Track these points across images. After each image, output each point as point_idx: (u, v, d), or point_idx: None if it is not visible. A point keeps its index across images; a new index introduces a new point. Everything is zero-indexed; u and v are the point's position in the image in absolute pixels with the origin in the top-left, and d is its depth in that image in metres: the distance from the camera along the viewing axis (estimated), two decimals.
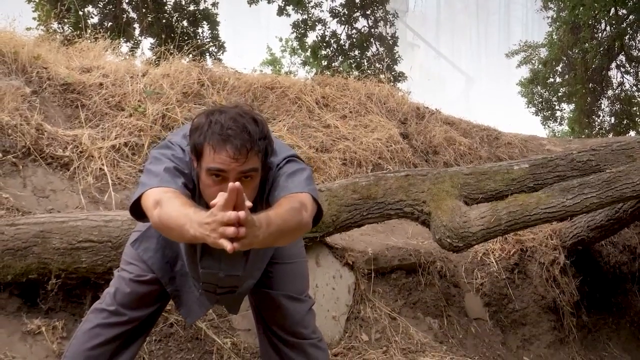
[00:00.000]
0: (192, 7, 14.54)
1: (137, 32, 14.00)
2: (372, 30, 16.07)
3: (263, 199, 2.21)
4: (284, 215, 1.95)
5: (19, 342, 3.05)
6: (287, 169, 2.19)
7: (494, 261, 4.79)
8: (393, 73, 14.70)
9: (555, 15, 17.26)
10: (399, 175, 3.94)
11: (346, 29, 16.08)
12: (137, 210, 2.13)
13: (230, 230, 1.69)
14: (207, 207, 1.92)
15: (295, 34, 16.19)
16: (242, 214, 1.70)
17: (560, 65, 17.22)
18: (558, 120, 18.01)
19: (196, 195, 2.19)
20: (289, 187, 2.13)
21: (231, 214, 1.70)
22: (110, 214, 3.43)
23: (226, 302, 2.60)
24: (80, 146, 4.28)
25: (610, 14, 15.49)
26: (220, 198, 1.74)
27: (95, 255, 3.16)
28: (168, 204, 1.95)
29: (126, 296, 2.42)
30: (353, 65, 15.52)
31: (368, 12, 15.98)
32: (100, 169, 4.22)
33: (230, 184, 1.71)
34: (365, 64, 15.65)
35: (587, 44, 15.33)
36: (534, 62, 18.38)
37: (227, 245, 1.70)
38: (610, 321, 5.28)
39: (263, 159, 2.09)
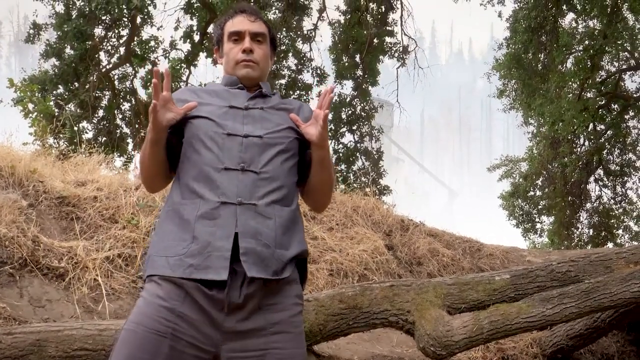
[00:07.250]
0: None
1: (130, 146, 14.29)
2: (358, 145, 16.43)
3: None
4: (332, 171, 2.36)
5: None
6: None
7: None
8: (378, 187, 14.95)
9: (535, 131, 17.78)
10: (384, 286, 4.00)
11: (333, 144, 16.44)
12: None
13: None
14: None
15: None
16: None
17: (540, 179, 17.60)
18: (538, 232, 18.22)
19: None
20: None
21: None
22: (104, 323, 3.48)
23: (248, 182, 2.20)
24: (75, 257, 4.37)
25: (589, 129, 15.99)
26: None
27: None
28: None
29: None
30: (339, 179, 15.81)
31: (354, 128, 16.37)
32: (94, 279, 4.29)
33: None
34: (352, 177, 15.87)
35: (566, 159, 15.71)
36: (514, 175, 18.81)
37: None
38: None
39: (270, 35, 2.47)
